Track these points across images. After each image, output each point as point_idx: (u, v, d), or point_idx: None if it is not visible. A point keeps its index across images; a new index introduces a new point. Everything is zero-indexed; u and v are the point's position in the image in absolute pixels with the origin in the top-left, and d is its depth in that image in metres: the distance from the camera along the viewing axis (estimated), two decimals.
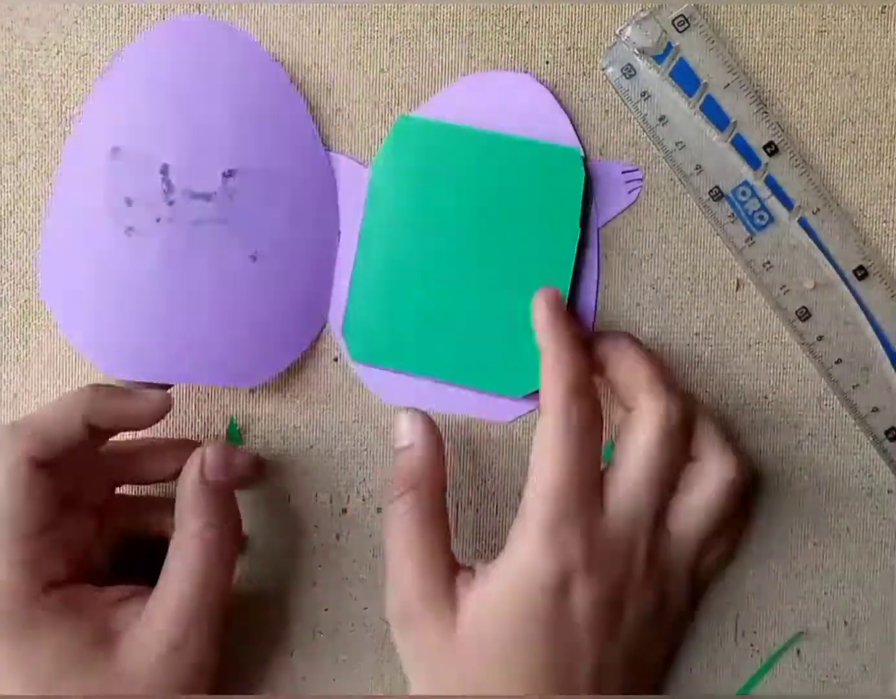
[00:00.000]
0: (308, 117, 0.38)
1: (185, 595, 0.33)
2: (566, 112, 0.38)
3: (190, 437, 0.39)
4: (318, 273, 0.38)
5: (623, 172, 0.38)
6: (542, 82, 0.38)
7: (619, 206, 0.38)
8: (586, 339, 0.35)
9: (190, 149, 0.37)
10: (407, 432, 0.35)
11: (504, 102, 0.38)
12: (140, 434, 0.37)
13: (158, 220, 0.37)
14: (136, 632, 0.33)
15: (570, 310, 0.38)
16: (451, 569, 0.34)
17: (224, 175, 0.37)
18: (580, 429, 0.33)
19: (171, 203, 0.37)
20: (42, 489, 0.33)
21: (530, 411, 0.38)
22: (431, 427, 0.35)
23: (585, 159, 0.38)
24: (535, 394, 0.36)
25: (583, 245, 0.38)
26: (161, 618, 0.33)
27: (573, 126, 0.38)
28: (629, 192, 0.38)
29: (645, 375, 0.34)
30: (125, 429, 0.35)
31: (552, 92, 0.38)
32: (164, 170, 0.37)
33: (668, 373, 0.35)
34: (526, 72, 0.38)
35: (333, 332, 0.39)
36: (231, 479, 0.35)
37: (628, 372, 0.35)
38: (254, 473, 0.38)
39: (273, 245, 0.38)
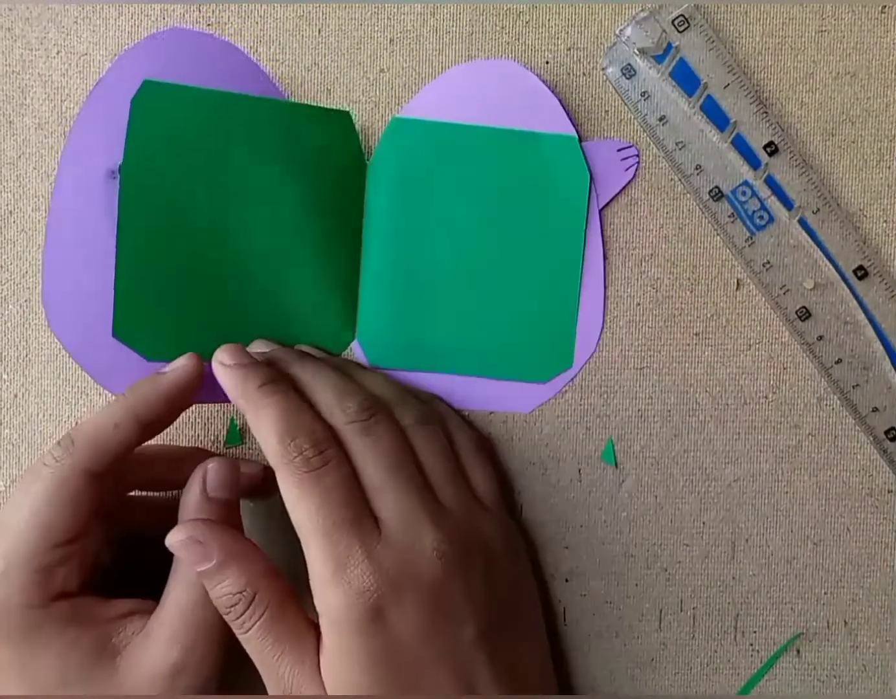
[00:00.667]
0: None
1: (185, 614, 0.33)
2: (553, 93, 0.38)
3: (191, 435, 0.39)
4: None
5: (618, 150, 0.38)
6: (526, 66, 0.38)
7: (617, 184, 0.38)
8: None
9: None
10: (205, 554, 0.32)
11: (492, 92, 0.38)
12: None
13: None
14: (136, 651, 0.33)
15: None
16: (318, 643, 0.32)
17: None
18: (311, 471, 0.32)
19: None
20: (86, 501, 0.33)
21: (553, 396, 0.38)
22: (224, 531, 0.33)
23: (580, 141, 0.38)
24: (559, 378, 0.37)
25: (587, 229, 0.38)
26: (160, 638, 0.33)
27: (566, 112, 0.38)
28: (626, 170, 0.38)
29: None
30: (174, 413, 0.35)
31: (537, 75, 0.38)
32: None
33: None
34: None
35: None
36: (233, 496, 0.35)
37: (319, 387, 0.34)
38: (261, 487, 0.37)
39: None
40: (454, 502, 0.34)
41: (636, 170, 0.38)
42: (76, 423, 0.39)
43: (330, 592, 0.31)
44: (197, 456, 0.37)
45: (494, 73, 0.38)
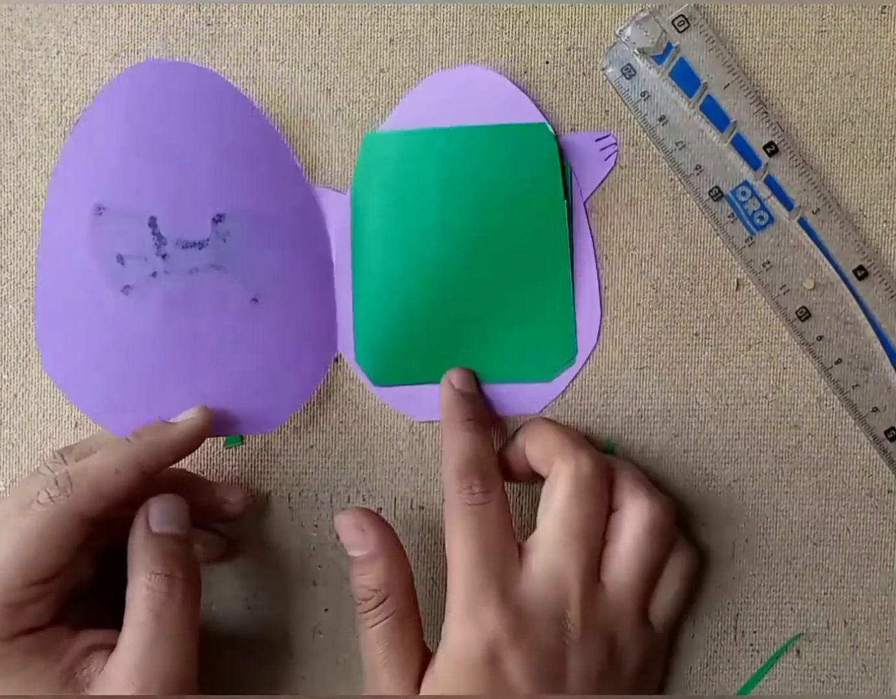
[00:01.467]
0: (288, 150, 0.38)
1: (138, 652, 0.32)
2: (524, 91, 0.38)
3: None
4: (320, 306, 0.38)
5: (596, 141, 0.38)
6: (494, 69, 0.38)
7: (599, 174, 0.38)
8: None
9: (175, 198, 0.37)
10: (363, 542, 0.35)
11: (464, 98, 0.38)
12: None
13: (154, 275, 0.37)
14: (98, 691, 0.32)
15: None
16: (423, 666, 0.34)
17: (214, 220, 0.37)
18: (474, 505, 0.34)
19: (164, 256, 0.37)
20: (74, 542, 0.32)
21: (560, 395, 0.38)
22: (386, 530, 0.35)
23: (557, 136, 0.38)
24: (563, 375, 0.38)
25: (573, 221, 0.38)
26: (117, 680, 0.32)
27: (535, 103, 0.38)
28: (605, 159, 0.38)
29: (555, 442, 0.35)
30: (176, 461, 0.35)
31: (507, 77, 0.38)
32: (153, 222, 0.37)
33: (580, 437, 0.36)
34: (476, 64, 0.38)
35: (349, 363, 0.38)
36: (181, 531, 0.34)
37: (542, 442, 0.36)
38: (233, 509, 0.37)
39: (272, 284, 0.37)
40: (617, 590, 0.34)
41: (616, 158, 0.38)
42: (76, 425, 0.39)
43: (457, 627, 0.33)
44: (183, 479, 0.37)
45: (459, 79, 0.38)
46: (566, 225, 0.37)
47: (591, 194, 0.38)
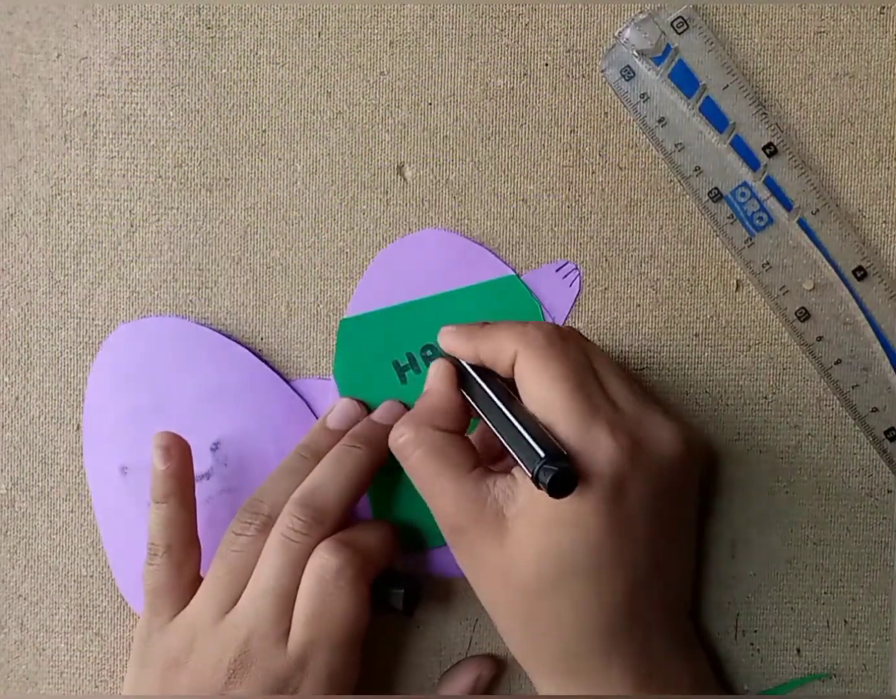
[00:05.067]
0: (273, 374, 0.39)
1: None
2: (480, 243, 0.38)
3: None
4: None
5: (556, 271, 0.38)
6: (446, 229, 0.38)
7: (567, 302, 0.38)
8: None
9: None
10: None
11: (424, 265, 0.39)
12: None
13: None
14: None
15: None
16: (482, 479, 0.33)
17: (211, 449, 0.38)
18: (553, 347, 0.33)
19: None
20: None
21: None
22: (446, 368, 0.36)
23: (518, 275, 0.38)
24: None
25: None
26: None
27: (492, 252, 0.38)
28: (570, 286, 0.38)
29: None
30: None
31: (459, 233, 0.38)
32: None
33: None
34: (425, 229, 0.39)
35: None
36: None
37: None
38: None
39: None
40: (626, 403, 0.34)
41: (580, 281, 0.38)
42: (77, 427, 0.39)
43: (592, 427, 0.32)
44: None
45: (417, 246, 0.38)
46: None
47: (563, 321, 0.38)
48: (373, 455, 0.36)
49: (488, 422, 0.34)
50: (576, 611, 0.32)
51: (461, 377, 0.36)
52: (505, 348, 0.34)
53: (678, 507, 0.35)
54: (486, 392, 0.34)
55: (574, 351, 0.34)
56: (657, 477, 0.33)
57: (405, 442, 0.34)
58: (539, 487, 0.30)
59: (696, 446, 0.35)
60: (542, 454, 0.30)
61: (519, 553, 0.32)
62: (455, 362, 0.36)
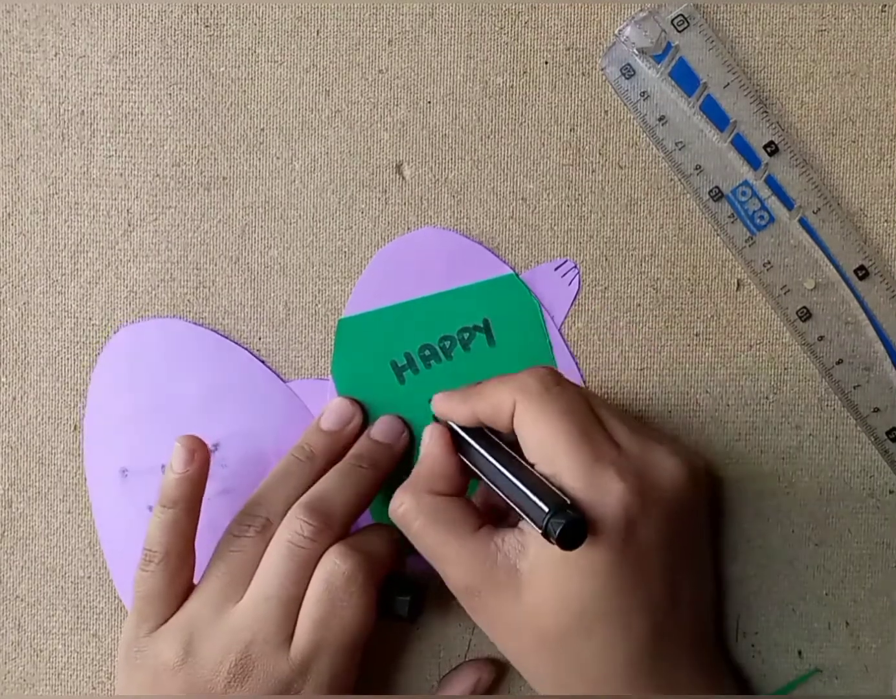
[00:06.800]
0: (272, 375, 0.39)
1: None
2: (479, 242, 0.38)
3: None
4: None
5: (556, 269, 0.38)
6: (445, 228, 0.38)
7: (566, 300, 0.38)
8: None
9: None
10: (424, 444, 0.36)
11: (423, 264, 0.38)
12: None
13: None
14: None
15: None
16: (489, 537, 0.33)
17: (210, 450, 0.38)
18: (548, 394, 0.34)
19: None
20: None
21: None
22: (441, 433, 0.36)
23: (517, 274, 0.38)
24: None
25: (554, 354, 0.38)
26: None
27: (491, 251, 0.38)
28: (569, 284, 0.38)
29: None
30: None
31: (458, 232, 0.38)
32: (164, 469, 0.37)
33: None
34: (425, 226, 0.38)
35: None
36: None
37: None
38: None
39: None
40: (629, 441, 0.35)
41: (579, 279, 0.38)
42: (75, 428, 0.39)
43: (582, 490, 0.32)
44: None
45: (416, 245, 0.38)
46: (551, 357, 0.38)
47: (563, 321, 0.38)
48: (378, 475, 0.37)
49: (488, 482, 0.34)
50: (600, 655, 0.33)
51: (456, 439, 0.35)
52: (503, 402, 0.34)
53: (690, 536, 0.35)
54: (481, 453, 0.34)
55: (571, 393, 0.34)
56: (667, 511, 0.33)
57: (405, 511, 0.34)
58: (551, 541, 0.30)
59: (699, 470, 0.36)
60: (545, 509, 0.30)
61: (538, 604, 0.32)
62: (448, 426, 0.36)
